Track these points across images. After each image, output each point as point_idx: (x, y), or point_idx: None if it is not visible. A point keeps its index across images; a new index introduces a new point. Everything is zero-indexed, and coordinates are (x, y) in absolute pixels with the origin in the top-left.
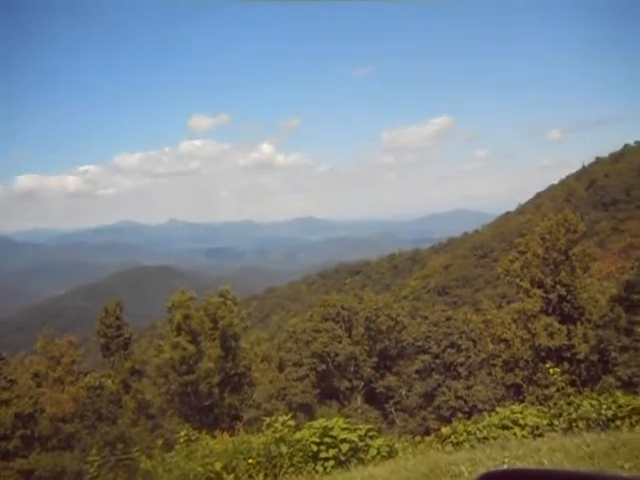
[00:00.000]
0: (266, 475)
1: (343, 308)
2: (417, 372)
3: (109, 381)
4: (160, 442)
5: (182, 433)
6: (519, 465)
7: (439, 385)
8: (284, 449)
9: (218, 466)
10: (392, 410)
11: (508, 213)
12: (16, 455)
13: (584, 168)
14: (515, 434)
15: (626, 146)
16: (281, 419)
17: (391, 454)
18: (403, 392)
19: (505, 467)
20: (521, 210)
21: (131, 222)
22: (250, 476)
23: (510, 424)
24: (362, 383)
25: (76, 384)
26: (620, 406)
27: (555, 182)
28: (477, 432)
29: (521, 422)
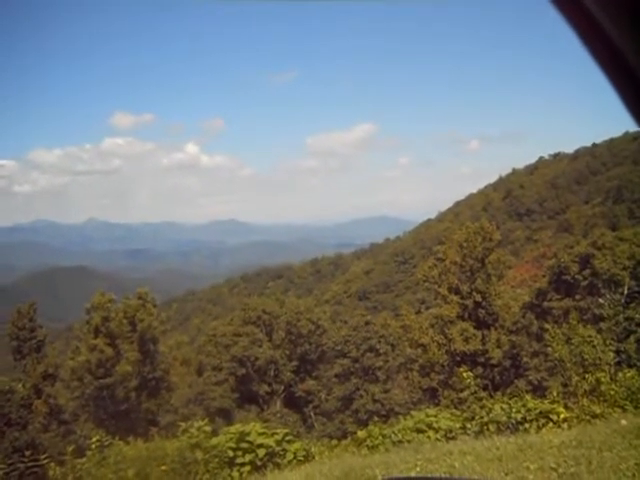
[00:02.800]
0: None
1: (264, 312)
2: (336, 376)
3: (20, 385)
4: (71, 448)
5: (94, 439)
6: (431, 468)
7: (357, 389)
8: (199, 455)
9: (131, 473)
10: (311, 414)
11: (429, 220)
12: None
13: (501, 179)
14: (429, 437)
15: (541, 159)
16: (197, 424)
17: (308, 458)
18: (322, 396)
19: (414, 473)
20: (441, 218)
21: (48, 221)
22: None
23: (424, 427)
24: (282, 387)
25: None
26: (529, 409)
27: (474, 191)
28: (392, 435)
29: (435, 425)
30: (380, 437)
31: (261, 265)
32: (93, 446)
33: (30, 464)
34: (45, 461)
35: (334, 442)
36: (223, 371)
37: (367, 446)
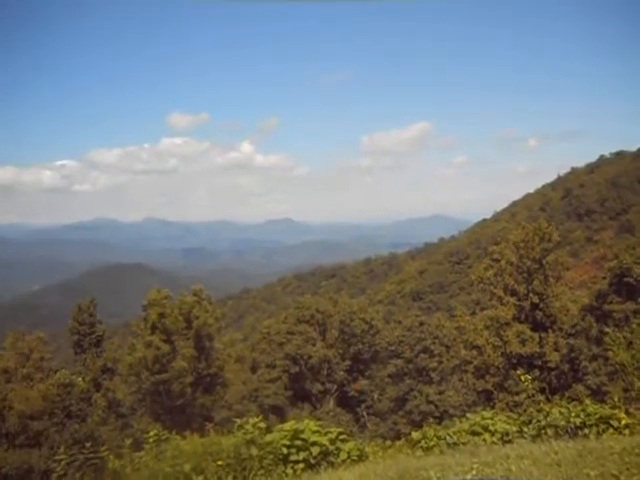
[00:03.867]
0: (235, 477)
1: (318, 311)
2: (390, 376)
3: (80, 379)
4: (129, 441)
5: (152, 433)
6: (487, 472)
7: (411, 390)
8: (254, 451)
9: (187, 467)
10: (364, 414)
11: (484, 220)
12: None
13: (560, 178)
14: (485, 440)
15: (602, 157)
16: (252, 421)
17: (361, 458)
18: (375, 396)
19: (470, 476)
20: (497, 217)
21: (107, 219)
22: (219, 478)
23: (480, 430)
24: (335, 386)
25: (46, 381)
26: (588, 414)
27: (531, 191)
28: (447, 437)
29: (491, 428)
30: (435, 439)
31: (315, 264)
32: (150, 440)
33: (90, 455)
34: (104, 453)
35: (388, 442)
36: (276, 369)
37: (421, 447)
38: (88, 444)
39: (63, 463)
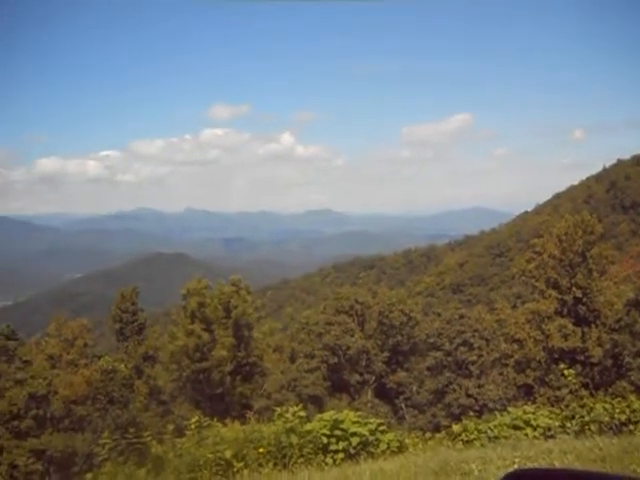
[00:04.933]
0: (276, 465)
1: (357, 302)
2: (428, 369)
3: (122, 365)
4: (171, 428)
5: (193, 419)
6: (530, 466)
7: (450, 383)
8: (294, 440)
9: (228, 454)
10: (402, 406)
11: (526, 213)
12: (28, 435)
13: (605, 170)
14: (527, 435)
15: None
16: (292, 410)
17: (401, 449)
18: (414, 388)
19: (531, 466)
20: (539, 210)
21: (149, 209)
22: (260, 465)
23: (522, 424)
24: (373, 377)
25: (89, 367)
26: (634, 410)
27: (575, 183)
28: (488, 431)
29: (533, 423)
30: (475, 432)
31: (354, 255)
32: (192, 426)
33: (133, 441)
34: (147, 439)
35: (427, 435)
36: (315, 359)
37: (462, 440)
38: (131, 429)
39: (107, 447)
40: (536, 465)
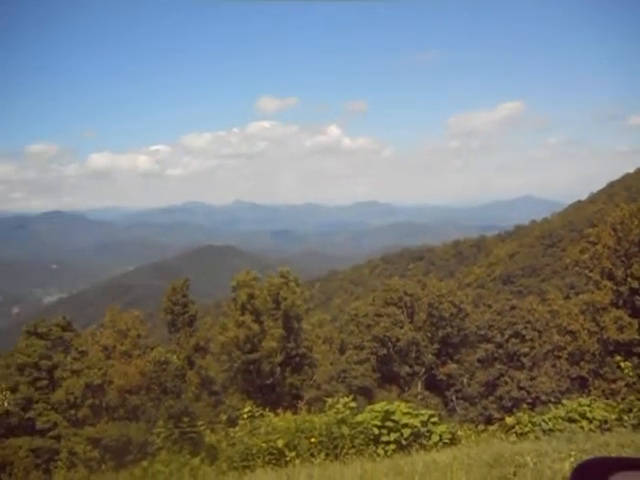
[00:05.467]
0: (327, 455)
1: (406, 293)
2: (479, 361)
3: (174, 356)
4: (224, 417)
5: (246, 409)
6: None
7: (501, 375)
8: (345, 430)
9: (281, 443)
10: (453, 398)
11: (579, 202)
12: (85, 423)
13: None
14: (582, 427)
15: None
16: (342, 400)
17: (453, 441)
18: (464, 380)
19: (568, 464)
20: (593, 199)
21: (198, 202)
22: (312, 455)
23: (577, 417)
24: (423, 369)
25: (143, 358)
26: None
27: (630, 171)
28: (542, 424)
29: (589, 416)
30: (529, 425)
31: (402, 246)
32: (245, 416)
33: (187, 430)
34: (201, 428)
35: (480, 427)
36: (364, 350)
37: (515, 433)
38: (185, 419)
39: (162, 436)
40: (604, 455)
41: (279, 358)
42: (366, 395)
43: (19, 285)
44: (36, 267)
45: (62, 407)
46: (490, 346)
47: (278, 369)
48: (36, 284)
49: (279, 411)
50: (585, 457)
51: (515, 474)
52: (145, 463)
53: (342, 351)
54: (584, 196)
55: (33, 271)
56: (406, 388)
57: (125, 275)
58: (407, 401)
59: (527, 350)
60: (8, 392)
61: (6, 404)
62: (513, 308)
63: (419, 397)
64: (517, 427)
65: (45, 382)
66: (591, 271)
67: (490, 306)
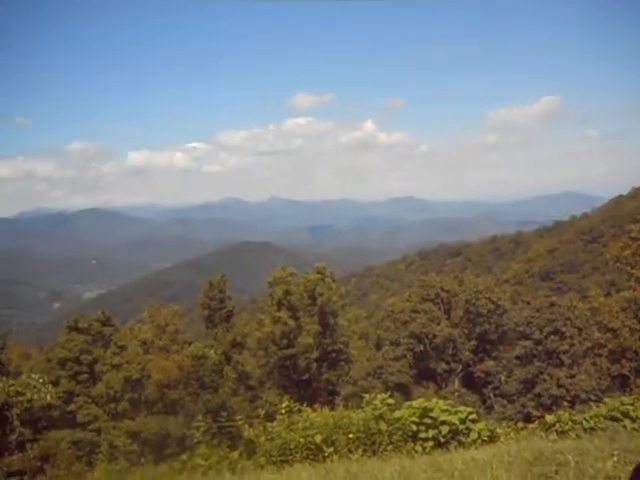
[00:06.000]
0: (365, 451)
1: (442, 289)
2: (517, 358)
3: (212, 351)
4: (262, 412)
5: (284, 404)
6: (630, 459)
7: (540, 372)
8: (383, 426)
9: (318, 438)
10: (490, 395)
11: (620, 197)
12: (124, 417)
13: None
14: (625, 426)
15: None
16: (380, 397)
17: (492, 439)
18: (502, 377)
19: (611, 463)
20: (635, 194)
21: (235, 199)
22: (349, 451)
23: (619, 416)
24: (460, 366)
25: (181, 352)
26: None
27: None
28: (583, 422)
29: (632, 414)
30: (570, 423)
31: (438, 242)
32: (283, 411)
33: (226, 424)
34: (240, 422)
35: (519, 425)
36: (401, 347)
37: (556, 431)
38: (223, 414)
39: (201, 430)
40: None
41: (315, 354)
42: (402, 392)
43: (60, 281)
44: (76, 263)
45: (102, 401)
46: (528, 343)
47: (314, 365)
48: (76, 280)
49: (316, 407)
50: (629, 456)
51: (557, 472)
52: (184, 456)
53: (378, 347)
54: (625, 190)
55: (73, 267)
56: (443, 385)
57: (163, 271)
58: (444, 398)
59: (566, 347)
60: (50, 385)
61: (48, 397)
62: (552, 305)
63: (456, 394)
64: (557, 425)
65: (85, 376)
66: (633, 268)
67: (529, 303)
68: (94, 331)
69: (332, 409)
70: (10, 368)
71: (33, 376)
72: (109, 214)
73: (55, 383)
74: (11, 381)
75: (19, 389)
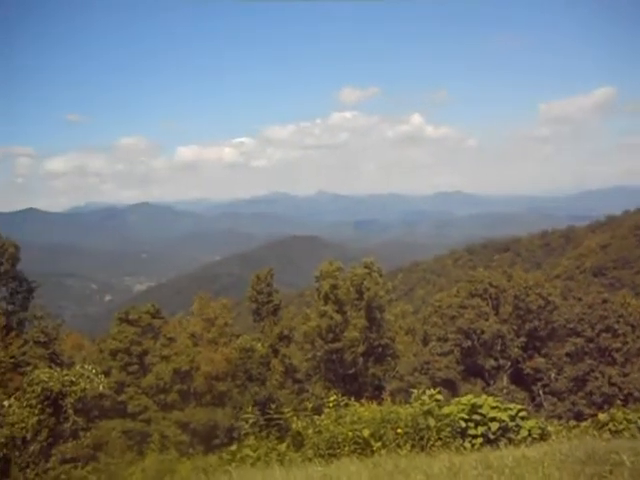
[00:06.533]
0: (413, 446)
1: (491, 285)
2: (568, 355)
3: (259, 344)
4: (311, 405)
5: (332, 398)
6: None
7: (592, 370)
8: (432, 422)
9: (366, 433)
10: (540, 392)
11: None
12: (174, 407)
13: None
14: None
15: None
16: (429, 392)
17: (543, 437)
18: (552, 375)
19: None
20: None
21: (282, 193)
22: (397, 446)
23: None
24: (509, 363)
25: (229, 345)
26: None
27: None
28: (639, 421)
29: None
30: (624, 422)
31: (487, 237)
32: (330, 405)
33: (275, 416)
34: (289, 414)
35: (571, 423)
36: (448, 342)
37: (609, 430)
38: (272, 405)
39: (250, 422)
40: None
41: (361, 348)
42: (450, 388)
43: (111, 274)
44: (127, 257)
45: (152, 391)
46: (580, 340)
47: (361, 359)
48: (127, 273)
49: (362, 401)
50: None
51: (611, 472)
52: (233, 447)
53: (425, 343)
54: None
55: (124, 260)
56: (491, 382)
57: (212, 265)
58: (492, 395)
59: (619, 345)
60: (102, 376)
61: (101, 387)
62: (605, 301)
63: (504, 391)
64: (611, 424)
65: (136, 367)
66: None
67: (580, 299)
68: (144, 323)
69: (379, 404)
70: (63, 358)
71: (86, 366)
72: (159, 208)
73: (107, 374)
74: (65, 371)
75: (73, 379)
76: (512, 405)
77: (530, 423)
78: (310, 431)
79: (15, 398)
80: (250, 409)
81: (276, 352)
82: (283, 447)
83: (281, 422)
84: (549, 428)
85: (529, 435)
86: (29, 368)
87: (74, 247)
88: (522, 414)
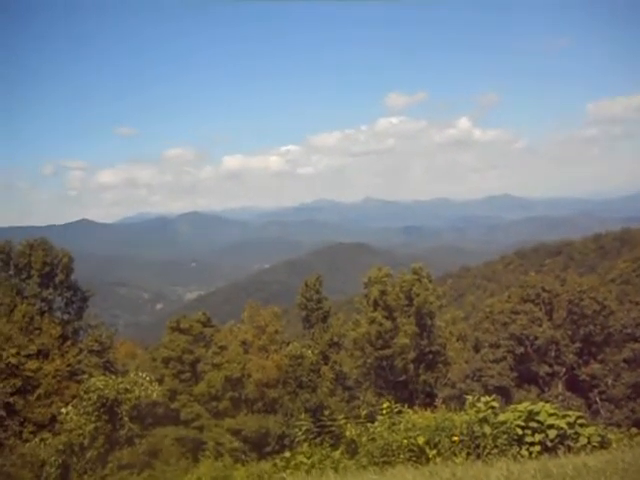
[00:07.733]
0: (469, 454)
1: (543, 290)
2: (625, 361)
3: (309, 351)
4: (364, 412)
5: (385, 405)
6: None
7: None
8: (487, 430)
9: (421, 440)
10: (597, 399)
11: None
12: (226, 415)
13: None
14: None
15: None
16: (484, 399)
17: (603, 445)
18: (609, 381)
19: None
20: None
21: (328, 200)
22: (453, 453)
23: None
24: (563, 369)
25: (279, 352)
26: None
27: None
28: None
29: None
30: None
31: (538, 241)
32: (384, 412)
33: (328, 423)
34: (342, 421)
35: (633, 430)
36: (501, 349)
37: None
38: (325, 412)
39: (304, 429)
40: None
41: (412, 355)
42: (503, 395)
43: (162, 283)
44: (177, 266)
45: (204, 399)
46: (638, 345)
47: (411, 366)
48: (177, 282)
49: (415, 408)
50: None
51: None
52: (287, 454)
53: (476, 349)
54: None
55: (174, 270)
56: (546, 388)
57: (261, 272)
58: (547, 401)
59: None
60: (156, 383)
61: (154, 395)
62: None
63: (560, 398)
64: None
65: (188, 375)
66: None
67: (637, 303)
68: (195, 331)
69: (432, 411)
70: (117, 367)
71: (140, 374)
72: (208, 218)
73: (160, 381)
74: (120, 379)
75: (127, 387)
76: (570, 412)
77: (589, 430)
78: (364, 438)
79: (72, 406)
80: (302, 416)
81: (326, 359)
82: (337, 454)
83: (334, 429)
84: (609, 436)
85: (588, 443)
86: (85, 376)
87: (126, 257)
88: (581, 421)
